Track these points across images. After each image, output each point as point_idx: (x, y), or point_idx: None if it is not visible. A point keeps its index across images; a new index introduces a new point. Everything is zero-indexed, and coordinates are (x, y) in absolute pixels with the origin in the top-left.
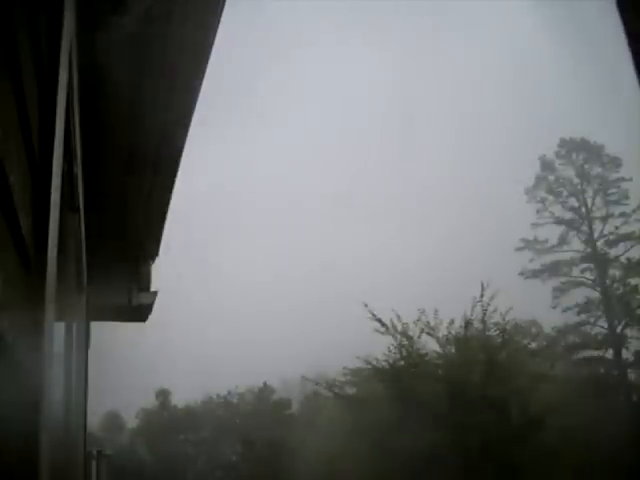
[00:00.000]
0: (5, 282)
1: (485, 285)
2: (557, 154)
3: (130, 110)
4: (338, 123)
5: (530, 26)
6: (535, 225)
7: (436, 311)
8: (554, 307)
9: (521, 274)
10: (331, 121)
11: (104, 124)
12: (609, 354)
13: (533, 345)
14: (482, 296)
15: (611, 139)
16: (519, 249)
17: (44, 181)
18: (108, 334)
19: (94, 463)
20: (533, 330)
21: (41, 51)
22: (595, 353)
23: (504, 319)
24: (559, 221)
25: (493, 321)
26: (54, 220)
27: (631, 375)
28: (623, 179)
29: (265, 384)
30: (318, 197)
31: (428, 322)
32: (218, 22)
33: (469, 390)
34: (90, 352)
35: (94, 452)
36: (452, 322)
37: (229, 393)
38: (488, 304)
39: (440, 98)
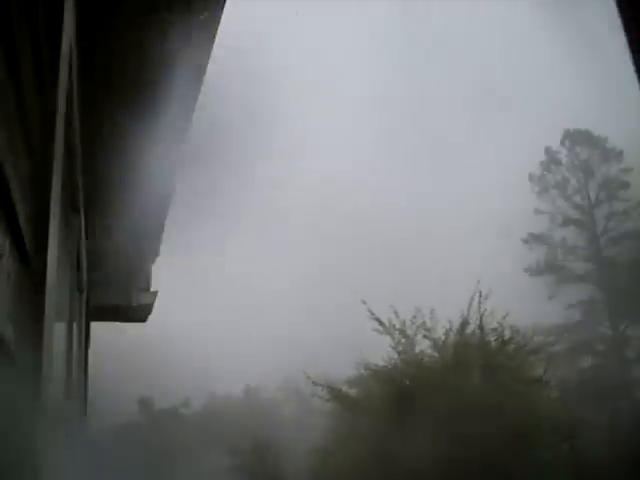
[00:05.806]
0: (6, 282)
1: (480, 283)
2: (561, 146)
3: (130, 108)
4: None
5: (532, 22)
6: (538, 217)
7: (432, 310)
8: (555, 301)
9: (525, 271)
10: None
11: (104, 123)
12: (612, 353)
13: (532, 346)
14: (480, 295)
15: (613, 132)
16: (522, 243)
17: (44, 181)
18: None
19: None
20: (530, 332)
21: (41, 51)
22: (598, 352)
23: (502, 322)
24: (564, 219)
25: (491, 325)
26: (54, 220)
27: (634, 375)
28: (625, 170)
29: (259, 384)
30: (316, 195)
31: (424, 322)
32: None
33: (466, 394)
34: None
35: None
36: (450, 325)
37: (225, 393)
38: (485, 306)
39: (438, 92)
